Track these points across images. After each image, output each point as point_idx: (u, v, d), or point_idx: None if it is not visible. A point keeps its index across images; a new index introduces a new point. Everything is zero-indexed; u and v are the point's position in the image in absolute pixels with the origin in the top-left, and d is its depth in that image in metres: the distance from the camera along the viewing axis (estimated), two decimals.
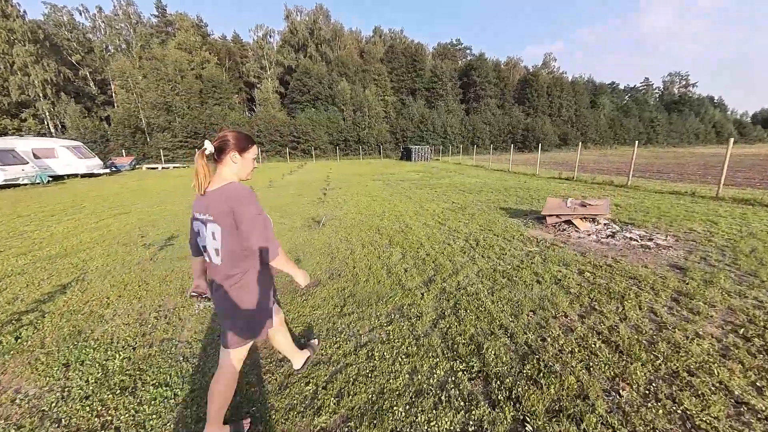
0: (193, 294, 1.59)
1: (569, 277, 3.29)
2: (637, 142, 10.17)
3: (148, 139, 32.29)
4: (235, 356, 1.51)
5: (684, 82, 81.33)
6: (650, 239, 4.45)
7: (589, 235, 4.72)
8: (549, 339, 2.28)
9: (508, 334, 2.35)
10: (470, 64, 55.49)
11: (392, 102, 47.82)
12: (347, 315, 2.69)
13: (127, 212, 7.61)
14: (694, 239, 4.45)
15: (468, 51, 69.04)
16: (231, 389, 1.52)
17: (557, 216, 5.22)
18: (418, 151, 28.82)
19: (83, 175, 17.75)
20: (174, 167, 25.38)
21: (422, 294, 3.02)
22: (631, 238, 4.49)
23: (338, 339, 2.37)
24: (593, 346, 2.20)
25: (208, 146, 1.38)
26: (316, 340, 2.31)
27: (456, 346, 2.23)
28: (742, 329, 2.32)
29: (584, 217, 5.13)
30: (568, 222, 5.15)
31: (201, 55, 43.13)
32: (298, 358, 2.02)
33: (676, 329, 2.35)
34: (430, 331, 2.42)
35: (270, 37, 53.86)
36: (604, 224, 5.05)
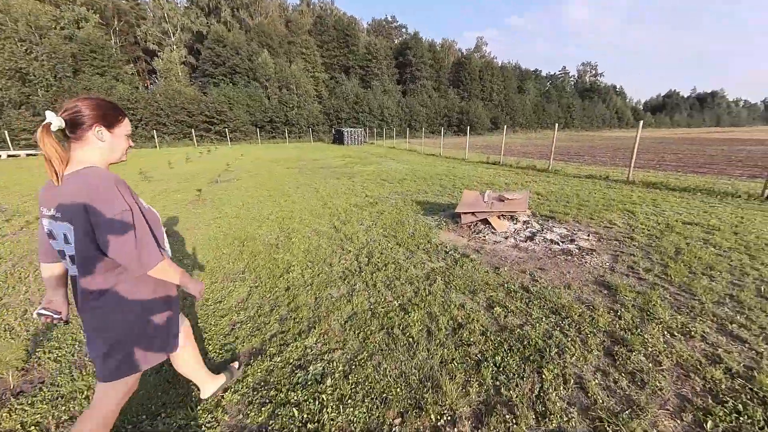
0: (42, 312, 1.17)
1: (474, 319, 2.28)
2: (557, 125, 10.13)
3: None
4: (110, 392, 1.18)
5: (593, 72, 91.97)
6: (572, 240, 3.77)
7: (507, 237, 3.90)
8: None
9: None
10: (406, 43, 54.61)
11: (324, 80, 44.86)
12: None
13: None
14: (617, 237, 3.90)
15: (404, 30, 68.01)
16: None
17: (473, 214, 4.33)
18: (351, 134, 27.18)
19: None
20: (28, 155, 19.85)
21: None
22: (552, 241, 3.75)
23: None
24: None
25: (53, 119, 1.00)
26: (237, 363, 1.86)
27: None
28: (708, 418, 1.48)
29: (502, 215, 4.32)
30: (485, 221, 4.30)
31: (74, 11, 34.68)
32: (209, 385, 1.61)
33: None
34: None
35: None
36: (524, 222, 4.30)
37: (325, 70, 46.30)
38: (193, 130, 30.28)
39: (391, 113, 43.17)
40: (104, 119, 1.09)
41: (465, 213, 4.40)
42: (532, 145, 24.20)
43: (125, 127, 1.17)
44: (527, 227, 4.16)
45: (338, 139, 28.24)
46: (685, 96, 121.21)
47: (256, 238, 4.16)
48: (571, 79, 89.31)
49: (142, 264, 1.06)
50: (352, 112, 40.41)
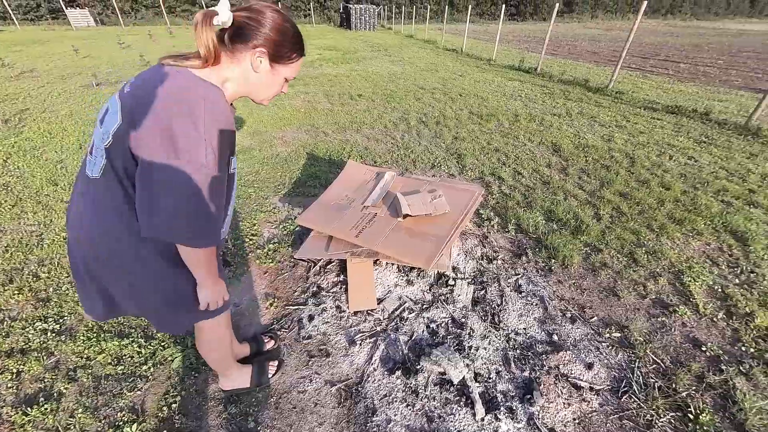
0: None
1: None
2: (645, 3, 5.82)
3: None
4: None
5: None
6: None
7: (355, 342, 1.46)
8: None
9: None
10: None
11: None
12: None
13: None
14: None
15: None
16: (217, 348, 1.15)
17: (327, 243, 1.81)
18: (359, 15, 21.42)
19: None
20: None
21: None
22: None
23: None
24: None
25: (224, 13, 0.71)
26: (273, 342, 1.45)
27: None
28: None
29: (380, 259, 1.75)
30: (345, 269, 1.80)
31: None
32: (233, 375, 1.26)
33: None
34: None
35: None
36: (437, 281, 1.72)
37: None
38: (162, 4, 25.48)
39: None
40: (275, 48, 0.78)
41: (314, 238, 1.89)
42: (606, 41, 17.85)
43: (293, 69, 0.85)
44: (435, 302, 1.62)
45: (345, 20, 22.66)
46: None
47: None
48: None
49: (190, 238, 0.76)
50: None
